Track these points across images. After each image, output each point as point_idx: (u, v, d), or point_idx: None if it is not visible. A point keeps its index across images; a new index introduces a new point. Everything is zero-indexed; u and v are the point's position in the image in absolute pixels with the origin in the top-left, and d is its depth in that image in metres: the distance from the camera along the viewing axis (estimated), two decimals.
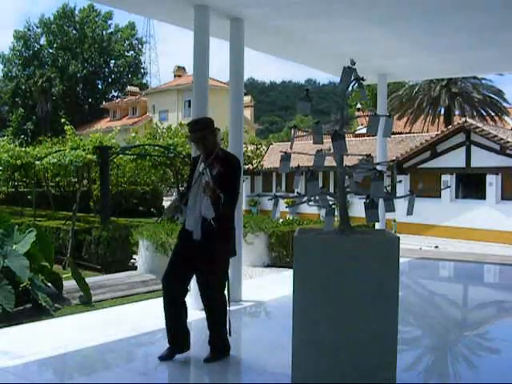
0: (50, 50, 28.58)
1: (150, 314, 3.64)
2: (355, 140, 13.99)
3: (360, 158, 2.34)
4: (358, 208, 3.22)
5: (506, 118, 15.96)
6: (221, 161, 2.46)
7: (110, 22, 29.46)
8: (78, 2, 29.14)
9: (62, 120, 7.94)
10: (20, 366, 2.55)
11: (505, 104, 15.68)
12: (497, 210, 9.75)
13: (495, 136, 9.81)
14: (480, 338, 3.42)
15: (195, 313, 3.59)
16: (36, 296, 3.78)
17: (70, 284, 4.37)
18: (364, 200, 2.15)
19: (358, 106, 18.01)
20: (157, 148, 8.27)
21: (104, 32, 28.91)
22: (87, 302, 4.18)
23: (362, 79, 2.23)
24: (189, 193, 2.46)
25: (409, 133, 14.99)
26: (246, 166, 11.77)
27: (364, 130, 2.58)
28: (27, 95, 27.16)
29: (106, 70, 29.90)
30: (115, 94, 30.29)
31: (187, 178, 2.56)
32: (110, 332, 3.11)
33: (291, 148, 2.37)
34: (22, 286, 3.83)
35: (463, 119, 10.90)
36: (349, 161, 2.29)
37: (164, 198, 12.54)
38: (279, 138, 24.70)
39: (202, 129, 2.47)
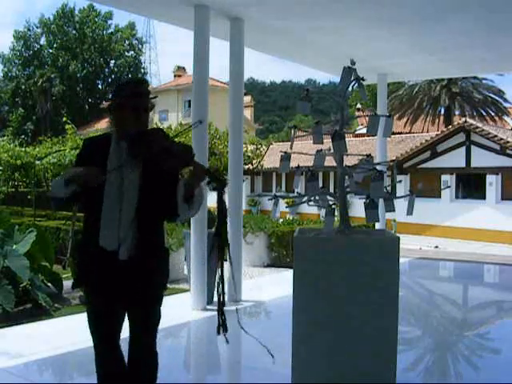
0: (50, 50, 28.57)
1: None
2: (355, 140, 13.98)
3: (360, 158, 2.34)
4: (358, 208, 3.22)
5: (506, 118, 15.94)
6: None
7: (109, 22, 29.46)
8: (77, 2, 29.14)
9: (64, 119, 7.94)
10: (20, 366, 2.55)
11: (505, 104, 15.67)
12: (497, 210, 9.74)
13: (495, 136, 9.80)
14: (480, 337, 3.42)
15: (196, 313, 3.59)
16: (36, 296, 3.78)
17: (69, 284, 4.35)
18: (364, 200, 2.15)
19: (358, 105, 18.00)
20: None
21: (104, 32, 28.89)
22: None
23: (362, 79, 2.23)
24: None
25: (409, 133, 14.97)
26: (246, 166, 11.77)
27: (364, 130, 2.57)
28: (27, 95, 27.14)
29: (106, 70, 29.89)
30: None
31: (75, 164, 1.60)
32: None
33: (291, 148, 2.37)
34: (22, 286, 3.83)
35: (463, 119, 10.88)
36: (349, 161, 2.29)
37: None
38: (279, 138, 24.70)
39: (150, 96, 1.59)
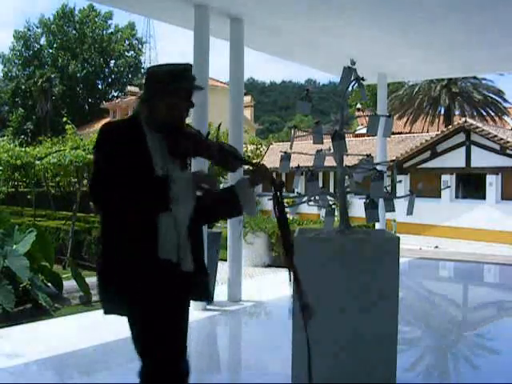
0: (50, 50, 28.57)
1: None
2: (355, 140, 13.98)
3: (360, 158, 2.34)
4: (357, 208, 3.22)
5: (506, 118, 15.96)
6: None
7: (109, 22, 29.45)
8: (77, 3, 29.14)
9: (64, 119, 7.94)
10: (20, 366, 2.54)
11: (505, 104, 15.68)
12: (497, 210, 9.75)
13: (495, 136, 9.81)
14: (480, 337, 3.42)
15: (196, 313, 3.59)
16: (36, 296, 3.78)
17: (69, 284, 4.37)
18: (364, 200, 2.15)
19: (358, 105, 18.01)
20: None
21: (104, 32, 28.90)
22: (87, 302, 4.18)
23: (362, 79, 2.23)
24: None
25: (409, 133, 14.98)
26: (246, 167, 11.77)
27: (364, 130, 2.57)
28: (27, 95, 27.14)
29: (106, 70, 29.88)
30: (115, 94, 30.28)
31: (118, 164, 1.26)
32: (110, 332, 3.11)
33: (291, 148, 2.37)
34: (22, 286, 3.83)
35: (463, 119, 10.90)
36: (349, 161, 2.29)
37: None
38: (279, 138, 24.68)
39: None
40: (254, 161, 1.72)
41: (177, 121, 1.34)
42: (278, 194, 1.37)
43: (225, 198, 1.42)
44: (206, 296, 1.49)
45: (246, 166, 1.42)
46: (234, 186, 1.41)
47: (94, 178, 1.30)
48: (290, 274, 1.38)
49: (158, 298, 1.29)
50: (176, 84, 1.32)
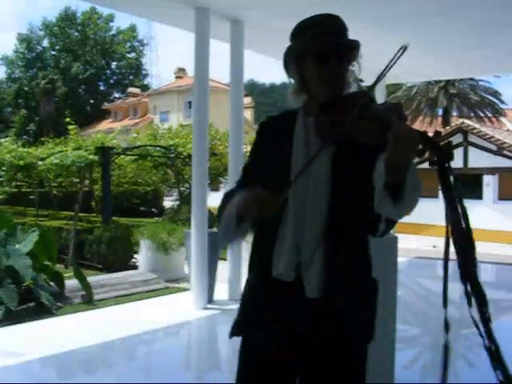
0: (53, 52, 28.71)
1: (151, 313, 3.68)
2: None
3: None
4: None
5: (502, 119, 16.00)
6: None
7: (111, 24, 29.60)
8: (80, 5, 29.24)
9: (67, 119, 8.00)
10: (23, 364, 2.57)
11: (501, 105, 15.74)
12: (494, 210, 9.78)
13: (492, 137, 9.85)
14: (478, 336, 3.44)
15: (196, 312, 3.62)
16: (39, 295, 3.81)
17: (72, 283, 4.41)
18: None
19: None
20: (158, 149, 8.32)
21: (106, 34, 29.04)
22: (89, 301, 4.21)
23: (361, 80, 2.26)
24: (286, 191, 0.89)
25: None
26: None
27: None
28: (30, 96, 27.27)
29: (108, 71, 30.01)
30: (117, 96, 30.40)
31: (255, 162, 1.02)
32: (112, 330, 3.14)
33: None
34: (24, 284, 3.86)
35: (460, 120, 10.95)
36: None
37: (165, 198, 12.59)
38: None
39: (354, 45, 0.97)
40: None
41: (322, 91, 0.91)
42: (445, 168, 0.80)
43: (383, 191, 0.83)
44: (348, 331, 0.93)
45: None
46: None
47: (236, 182, 1.02)
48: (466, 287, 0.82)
49: (261, 326, 0.94)
50: (304, 43, 0.92)
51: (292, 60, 0.96)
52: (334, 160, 0.92)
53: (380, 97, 6.08)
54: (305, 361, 0.94)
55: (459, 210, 0.88)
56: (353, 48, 0.96)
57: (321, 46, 0.92)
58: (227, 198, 0.97)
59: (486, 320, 0.85)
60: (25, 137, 24.86)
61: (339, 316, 0.93)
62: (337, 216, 0.92)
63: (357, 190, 0.89)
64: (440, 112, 16.39)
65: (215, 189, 9.15)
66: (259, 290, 0.97)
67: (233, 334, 1.01)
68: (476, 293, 0.85)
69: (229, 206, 0.93)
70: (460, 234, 0.85)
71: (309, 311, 0.92)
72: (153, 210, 11.47)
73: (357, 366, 0.98)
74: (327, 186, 0.92)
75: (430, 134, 0.84)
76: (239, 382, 1.00)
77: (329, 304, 0.92)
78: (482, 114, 15.52)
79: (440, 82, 14.98)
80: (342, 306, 0.94)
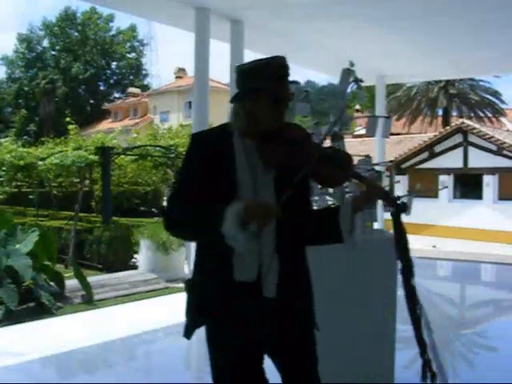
0: (53, 52, 28.72)
1: (151, 313, 3.67)
2: (354, 141, 14.02)
3: (359, 158, 2.37)
4: None
5: (502, 119, 16.01)
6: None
7: (111, 24, 29.62)
8: (80, 5, 29.25)
9: (67, 119, 8.00)
10: (23, 364, 2.57)
11: (501, 105, 15.74)
12: (494, 210, 9.79)
13: (492, 137, 9.86)
14: (478, 336, 3.44)
15: None
16: (39, 295, 3.81)
17: (72, 283, 4.41)
18: None
19: (357, 107, 18.06)
20: (158, 149, 8.33)
21: (106, 34, 29.06)
22: (89, 301, 4.21)
23: (361, 81, 2.26)
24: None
25: (407, 134, 15.01)
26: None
27: (363, 131, 2.61)
28: (30, 97, 27.28)
29: (108, 71, 30.01)
30: (117, 96, 30.42)
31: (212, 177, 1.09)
32: (112, 330, 3.14)
33: None
34: (25, 284, 3.86)
35: (460, 120, 10.95)
36: None
37: (165, 198, 12.60)
38: None
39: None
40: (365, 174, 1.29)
41: (268, 123, 1.09)
42: (397, 219, 1.09)
43: (322, 220, 1.15)
44: (298, 322, 1.14)
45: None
46: (337, 208, 1.16)
47: (172, 198, 1.14)
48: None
49: (225, 332, 1.10)
50: (254, 82, 1.08)
51: (244, 94, 1.11)
52: (275, 182, 1.10)
53: (380, 97, 6.09)
54: (268, 346, 1.16)
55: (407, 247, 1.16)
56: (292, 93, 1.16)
57: (278, 90, 1.09)
58: (175, 202, 1.11)
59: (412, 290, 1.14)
60: (25, 137, 24.86)
61: (292, 311, 1.13)
62: (285, 233, 1.10)
63: (297, 211, 1.13)
64: (440, 112, 16.40)
65: None
66: (221, 291, 1.11)
67: (194, 328, 1.18)
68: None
69: (205, 211, 1.06)
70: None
71: (267, 308, 1.09)
72: (153, 209, 11.47)
73: (313, 348, 1.22)
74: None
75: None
76: (220, 369, 1.16)
77: (283, 302, 1.11)
78: (481, 114, 15.52)
79: (440, 82, 14.98)
80: (294, 303, 1.14)
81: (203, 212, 1.05)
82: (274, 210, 1.02)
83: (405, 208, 1.13)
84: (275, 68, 1.09)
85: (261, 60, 1.11)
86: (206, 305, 1.13)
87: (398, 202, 1.12)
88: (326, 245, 1.21)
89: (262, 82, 1.08)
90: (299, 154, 1.07)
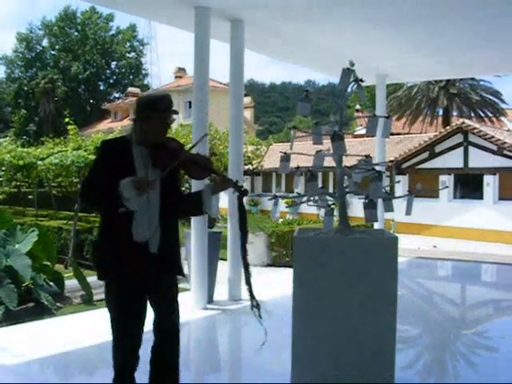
0: (53, 52, 28.69)
1: (151, 313, 3.66)
2: (354, 141, 14.01)
3: (359, 158, 2.37)
4: (357, 208, 3.23)
5: (503, 118, 16.00)
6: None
7: (111, 24, 29.58)
8: (79, 5, 29.21)
9: (66, 119, 7.99)
10: (22, 365, 2.58)
11: (502, 105, 15.74)
12: (494, 210, 9.79)
13: (492, 137, 9.85)
14: (478, 336, 3.44)
15: (196, 312, 3.61)
16: (38, 295, 3.81)
17: (71, 283, 4.41)
18: (363, 200, 2.17)
19: (357, 106, 18.07)
20: None
21: (105, 34, 29.03)
22: (89, 301, 4.21)
23: (361, 80, 2.26)
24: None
25: (407, 133, 15.01)
26: (246, 167, 11.88)
27: (363, 131, 2.61)
28: (30, 96, 27.24)
29: (108, 71, 29.99)
30: (117, 95, 30.40)
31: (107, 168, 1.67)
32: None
33: (291, 149, 2.40)
34: (24, 285, 3.86)
35: (461, 120, 10.93)
36: (348, 161, 2.31)
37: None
38: (279, 139, 24.73)
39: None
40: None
41: (156, 138, 1.72)
42: (239, 200, 1.72)
43: (192, 200, 1.82)
44: (170, 269, 1.78)
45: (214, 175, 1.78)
46: (201, 191, 1.76)
47: (87, 180, 1.75)
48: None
49: (127, 268, 1.69)
50: (150, 111, 1.70)
51: (142, 118, 1.72)
52: (161, 180, 1.70)
53: (380, 96, 6.08)
54: (152, 285, 1.76)
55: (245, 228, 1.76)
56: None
57: (165, 117, 1.72)
58: (91, 182, 1.72)
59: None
60: (24, 137, 24.84)
61: (167, 261, 1.77)
62: (164, 210, 1.74)
63: (172, 196, 1.76)
64: (440, 112, 16.40)
65: None
66: (124, 249, 1.69)
67: (102, 277, 1.79)
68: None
69: (106, 184, 1.65)
70: (244, 247, 1.76)
71: (152, 259, 1.71)
72: None
73: (176, 289, 1.83)
74: (159, 194, 1.72)
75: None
76: (117, 306, 1.80)
77: (162, 255, 1.72)
78: (482, 114, 15.52)
79: (440, 81, 14.98)
80: (169, 256, 1.77)
81: (107, 184, 1.61)
82: (146, 183, 1.64)
83: (246, 192, 1.71)
84: (163, 104, 1.71)
85: (154, 96, 1.74)
86: (109, 260, 1.72)
87: (242, 189, 1.70)
88: (194, 216, 2.04)
89: (155, 112, 1.69)
90: (175, 157, 1.68)
